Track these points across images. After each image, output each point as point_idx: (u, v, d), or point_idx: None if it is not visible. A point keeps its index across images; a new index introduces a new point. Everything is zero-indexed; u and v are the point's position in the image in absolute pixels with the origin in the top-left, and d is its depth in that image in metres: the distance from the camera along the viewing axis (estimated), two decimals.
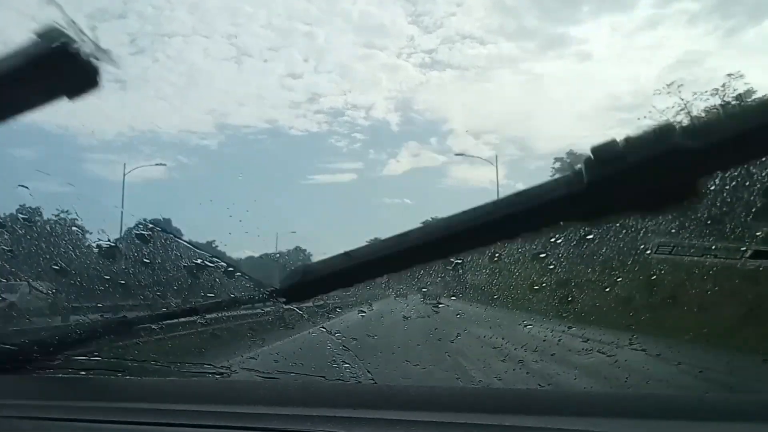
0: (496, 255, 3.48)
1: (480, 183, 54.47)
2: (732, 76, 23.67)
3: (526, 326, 4.38)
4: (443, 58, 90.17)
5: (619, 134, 0.84)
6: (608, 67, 60.75)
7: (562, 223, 1.00)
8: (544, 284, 4.52)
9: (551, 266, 3.90)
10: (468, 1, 78.22)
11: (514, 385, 3.38)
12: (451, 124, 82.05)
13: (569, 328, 3.96)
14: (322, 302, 3.01)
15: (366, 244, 1.29)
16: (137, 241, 2.56)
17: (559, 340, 3.66)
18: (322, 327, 3.05)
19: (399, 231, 1.12)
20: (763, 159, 1.14)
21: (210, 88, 70.83)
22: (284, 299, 1.42)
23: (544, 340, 3.79)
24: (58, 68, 0.90)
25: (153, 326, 2.16)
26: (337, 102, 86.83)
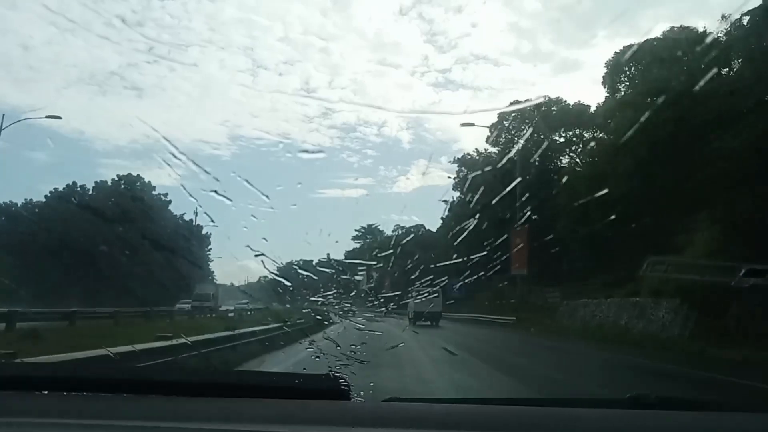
0: None
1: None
2: None
3: None
4: (456, 78, 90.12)
5: None
6: None
7: None
8: None
9: None
10: (483, 22, 78.35)
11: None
12: (462, 143, 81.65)
13: None
14: None
15: None
16: None
17: None
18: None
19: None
20: None
21: (225, 99, 71.20)
22: None
23: None
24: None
25: None
26: (349, 118, 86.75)
